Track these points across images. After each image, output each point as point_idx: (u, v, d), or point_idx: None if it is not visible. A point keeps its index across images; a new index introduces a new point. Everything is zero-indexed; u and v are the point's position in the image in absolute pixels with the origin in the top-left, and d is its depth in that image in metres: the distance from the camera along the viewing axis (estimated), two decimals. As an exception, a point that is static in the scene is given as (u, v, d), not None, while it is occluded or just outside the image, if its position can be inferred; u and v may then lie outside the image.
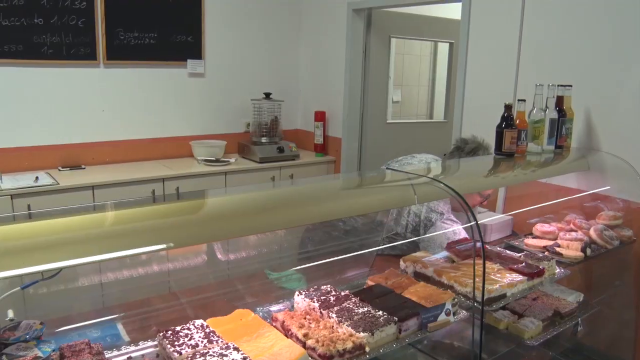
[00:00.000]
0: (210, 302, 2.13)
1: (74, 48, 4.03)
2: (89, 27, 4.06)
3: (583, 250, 2.41)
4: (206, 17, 4.60)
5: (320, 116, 4.85)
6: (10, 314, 1.48)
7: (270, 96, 4.74)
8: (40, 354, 1.34)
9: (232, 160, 4.43)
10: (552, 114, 2.58)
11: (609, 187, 2.71)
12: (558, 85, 2.62)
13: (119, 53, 4.24)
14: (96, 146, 4.23)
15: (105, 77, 4.23)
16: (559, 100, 2.62)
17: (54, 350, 1.40)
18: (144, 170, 4.06)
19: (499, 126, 2.45)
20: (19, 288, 1.31)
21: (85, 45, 4.08)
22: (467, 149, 2.80)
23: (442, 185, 1.89)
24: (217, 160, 4.35)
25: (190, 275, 2.26)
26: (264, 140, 4.67)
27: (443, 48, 5.66)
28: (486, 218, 2.96)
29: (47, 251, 1.29)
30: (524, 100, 2.47)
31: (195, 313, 1.89)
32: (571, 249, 2.44)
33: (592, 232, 2.54)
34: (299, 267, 2.25)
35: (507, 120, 2.43)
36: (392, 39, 4.85)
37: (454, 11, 4.58)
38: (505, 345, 2.20)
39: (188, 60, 4.57)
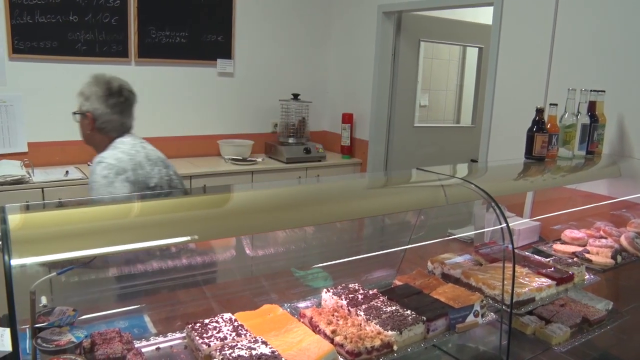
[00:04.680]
0: (236, 298, 2.15)
1: (106, 45, 4.09)
2: (121, 25, 4.12)
3: (613, 257, 2.38)
4: (237, 17, 4.63)
5: (347, 118, 4.85)
6: (44, 300, 1.50)
7: (299, 97, 4.76)
8: (73, 339, 1.36)
9: (259, 159, 4.45)
10: (584, 119, 2.56)
11: (640, 195, 2.67)
12: (591, 91, 2.59)
13: (150, 51, 4.29)
14: (125, 143, 4.28)
15: (136, 74, 4.28)
16: (592, 106, 2.60)
17: (86, 337, 1.42)
18: (172, 168, 4.09)
19: (530, 130, 2.43)
20: (55, 273, 1.34)
21: (117, 42, 4.14)
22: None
23: (473, 186, 1.88)
24: (244, 160, 4.38)
25: (216, 270, 2.28)
26: (291, 140, 4.69)
27: (472, 53, 5.62)
28: (514, 223, 2.93)
29: (78, 239, 1.30)
30: (556, 105, 2.44)
31: (220, 308, 1.90)
32: (601, 256, 2.40)
33: (622, 240, 2.50)
34: (325, 264, 2.24)
35: (539, 124, 2.42)
36: (421, 43, 4.83)
37: (484, 16, 4.56)
38: (531, 351, 2.17)
39: (218, 59, 4.61)
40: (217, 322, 1.68)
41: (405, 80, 4.72)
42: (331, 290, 1.92)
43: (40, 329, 1.41)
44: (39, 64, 3.88)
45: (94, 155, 2.50)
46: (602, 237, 2.58)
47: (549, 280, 2.08)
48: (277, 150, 4.61)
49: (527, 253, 2.43)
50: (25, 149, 3.90)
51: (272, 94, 4.88)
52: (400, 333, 1.63)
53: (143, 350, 1.58)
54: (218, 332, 1.61)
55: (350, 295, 1.88)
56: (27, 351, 1.39)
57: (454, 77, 5.93)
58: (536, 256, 2.38)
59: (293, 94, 4.77)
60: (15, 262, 1.11)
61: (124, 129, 2.54)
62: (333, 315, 1.75)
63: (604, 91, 2.60)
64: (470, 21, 4.97)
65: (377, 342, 1.58)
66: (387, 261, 2.36)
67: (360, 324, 1.70)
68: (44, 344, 1.34)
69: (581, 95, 2.56)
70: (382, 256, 2.28)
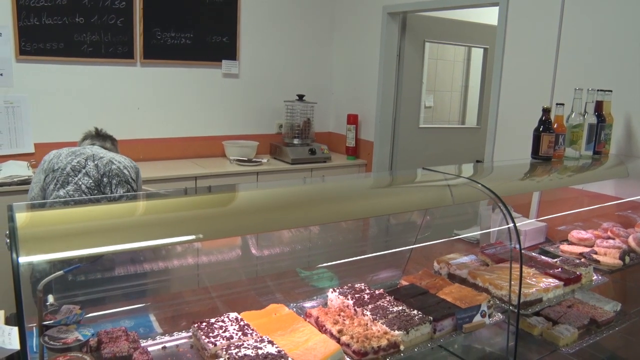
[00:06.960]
0: (242, 297, 2.14)
1: (112, 47, 4.10)
2: (127, 26, 4.13)
3: (621, 258, 2.36)
4: (241, 18, 4.64)
5: (352, 119, 4.85)
6: (51, 299, 1.50)
7: (304, 98, 4.76)
8: (80, 337, 1.36)
9: (264, 160, 4.45)
10: (591, 119, 2.55)
11: (648, 195, 2.66)
12: (598, 90, 2.58)
13: (156, 52, 4.30)
14: (130, 143, 4.29)
15: (142, 75, 4.29)
16: (599, 105, 2.59)
17: (92, 335, 1.42)
18: (177, 169, 4.10)
19: (536, 129, 2.42)
20: (62, 272, 1.33)
21: (123, 44, 4.14)
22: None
23: (479, 186, 1.87)
24: (249, 161, 4.38)
25: (221, 270, 2.28)
26: (296, 141, 4.68)
27: (477, 53, 5.61)
28: (520, 223, 2.92)
29: (85, 237, 1.30)
30: (563, 105, 2.44)
31: (225, 307, 1.90)
32: (609, 257, 2.39)
33: (630, 240, 2.49)
34: (330, 264, 2.24)
35: (545, 124, 2.41)
36: (426, 44, 4.83)
37: (489, 16, 4.55)
38: (538, 353, 2.16)
39: (223, 60, 4.61)
40: (223, 321, 1.68)
41: (410, 81, 4.71)
42: (337, 290, 1.92)
43: (48, 327, 1.41)
44: (46, 66, 3.89)
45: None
46: (609, 238, 2.56)
47: (557, 281, 2.07)
48: (282, 151, 4.61)
49: (533, 254, 2.42)
50: (32, 150, 3.91)
51: (277, 95, 4.89)
52: (407, 333, 1.63)
53: (149, 349, 1.58)
54: (224, 332, 1.61)
55: (356, 295, 1.87)
56: (35, 349, 1.39)
57: (459, 78, 5.92)
58: (543, 257, 2.37)
59: (298, 95, 4.77)
60: (23, 259, 1.11)
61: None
62: (339, 315, 1.75)
63: (611, 91, 2.59)
64: (475, 22, 4.96)
65: (384, 342, 1.58)
66: (393, 261, 2.36)
67: (367, 324, 1.70)
68: (52, 342, 1.34)
69: (588, 95, 2.55)
70: (388, 256, 2.27)
